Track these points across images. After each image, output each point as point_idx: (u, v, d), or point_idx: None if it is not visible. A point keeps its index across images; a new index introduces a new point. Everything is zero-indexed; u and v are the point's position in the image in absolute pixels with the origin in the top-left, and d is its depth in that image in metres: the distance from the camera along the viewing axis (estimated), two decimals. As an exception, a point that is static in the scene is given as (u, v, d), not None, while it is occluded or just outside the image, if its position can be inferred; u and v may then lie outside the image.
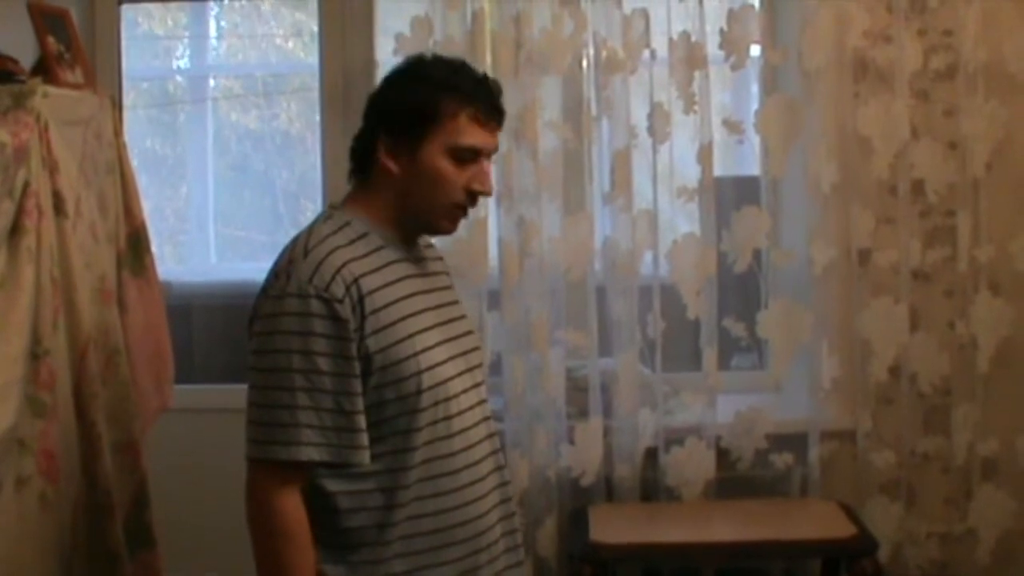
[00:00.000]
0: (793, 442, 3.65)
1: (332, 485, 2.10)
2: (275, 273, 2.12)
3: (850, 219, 3.62)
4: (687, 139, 3.62)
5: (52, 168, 2.70)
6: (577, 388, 3.66)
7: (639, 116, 3.61)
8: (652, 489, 3.67)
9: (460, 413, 2.19)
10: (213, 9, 4.32)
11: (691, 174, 3.62)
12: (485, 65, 3.49)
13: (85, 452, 2.76)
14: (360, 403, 2.08)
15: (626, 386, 3.62)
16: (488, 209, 3.50)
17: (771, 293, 3.68)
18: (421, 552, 2.13)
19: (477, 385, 2.27)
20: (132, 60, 4.07)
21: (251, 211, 4.41)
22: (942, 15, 3.59)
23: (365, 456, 2.09)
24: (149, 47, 4.36)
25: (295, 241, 2.16)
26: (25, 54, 3.02)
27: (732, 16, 3.58)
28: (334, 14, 3.85)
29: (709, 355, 3.63)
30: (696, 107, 3.57)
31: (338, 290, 2.06)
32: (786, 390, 3.80)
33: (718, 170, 3.64)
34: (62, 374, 2.66)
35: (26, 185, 2.57)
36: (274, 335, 2.07)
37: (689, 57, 3.57)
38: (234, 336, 3.97)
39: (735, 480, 3.67)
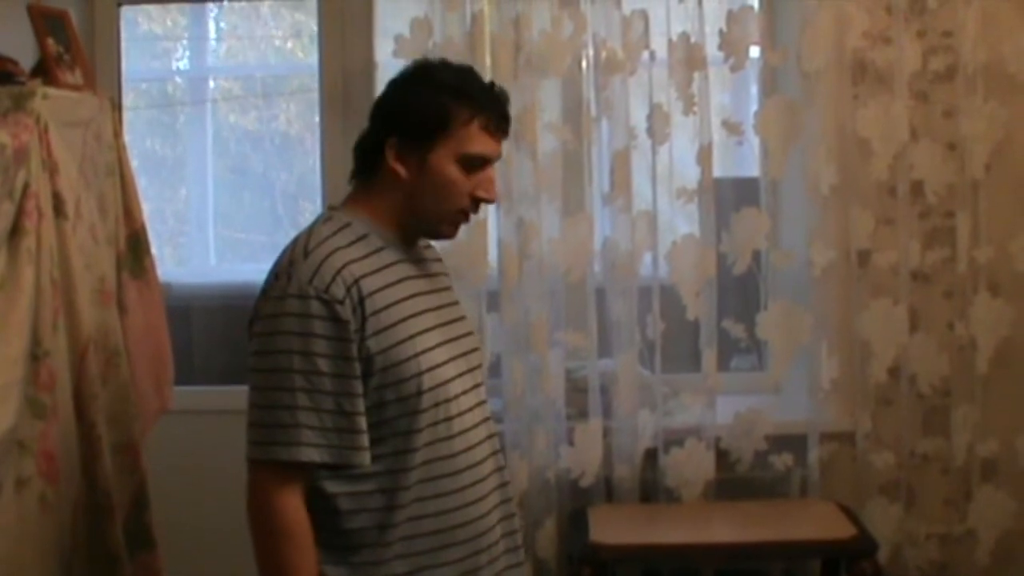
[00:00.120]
0: (793, 443, 3.65)
1: (333, 487, 2.10)
2: (275, 274, 2.12)
3: (849, 220, 3.62)
4: (686, 140, 3.62)
5: (52, 170, 2.69)
6: (576, 389, 3.67)
7: (638, 117, 3.61)
8: (652, 490, 3.67)
9: (461, 414, 2.19)
10: (212, 10, 4.32)
11: (690, 175, 3.62)
12: (484, 67, 3.49)
13: (85, 453, 2.76)
14: (361, 404, 2.08)
15: (625, 387, 3.62)
16: (487, 210, 3.49)
17: (770, 294, 3.68)
18: (422, 553, 2.14)
19: (477, 386, 2.27)
20: (131, 61, 4.07)
21: (250, 212, 4.41)
22: (941, 16, 3.60)
23: (366, 457, 2.09)
24: (148, 48, 4.36)
25: (295, 242, 2.17)
26: (25, 55, 3.02)
27: (731, 17, 3.58)
28: (333, 15, 3.85)
29: (708, 356, 3.63)
30: (695, 108, 3.58)
31: (338, 291, 2.06)
32: (785, 391, 3.81)
33: (717, 171, 3.65)
34: (62, 375, 2.66)
35: (26, 187, 2.56)
36: (274, 336, 2.07)
37: (688, 58, 3.57)
38: (234, 337, 3.97)
39: (735, 481, 3.67)
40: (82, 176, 2.90)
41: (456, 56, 3.18)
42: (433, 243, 2.41)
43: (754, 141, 3.67)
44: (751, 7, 3.66)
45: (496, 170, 2.27)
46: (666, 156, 3.62)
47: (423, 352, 2.14)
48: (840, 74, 3.61)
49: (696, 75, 3.57)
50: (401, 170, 2.18)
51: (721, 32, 3.59)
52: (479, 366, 2.32)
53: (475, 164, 2.19)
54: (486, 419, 2.28)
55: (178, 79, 4.45)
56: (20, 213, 2.54)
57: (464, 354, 2.26)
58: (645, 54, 3.59)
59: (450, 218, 2.23)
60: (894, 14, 3.58)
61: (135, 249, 3.20)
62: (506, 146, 2.30)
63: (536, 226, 3.57)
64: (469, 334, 2.32)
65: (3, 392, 2.45)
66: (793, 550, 3.48)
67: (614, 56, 3.57)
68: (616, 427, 3.65)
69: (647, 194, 3.63)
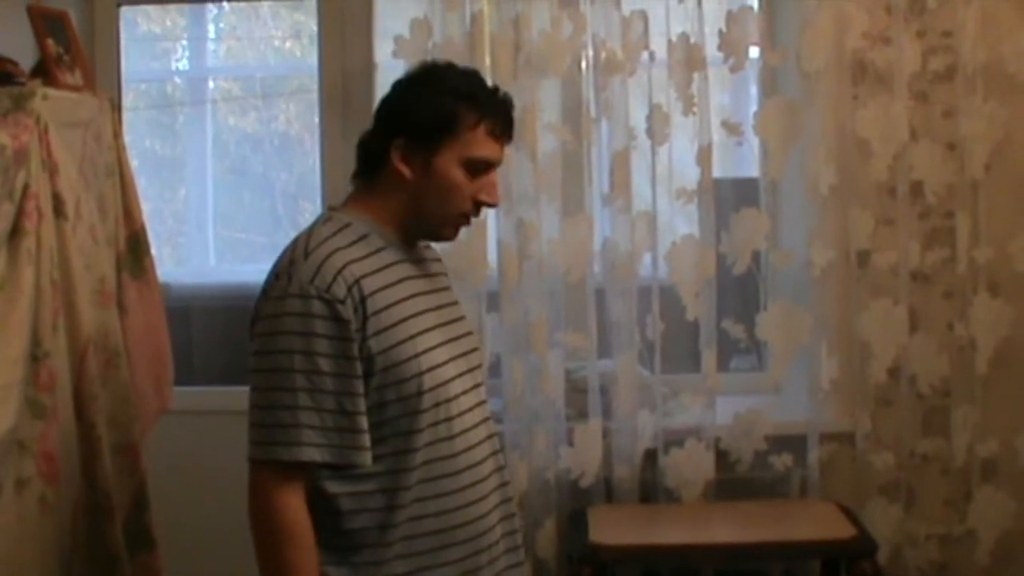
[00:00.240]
0: (792, 443, 3.65)
1: (334, 487, 2.10)
2: (276, 274, 2.12)
3: (849, 220, 3.62)
4: (686, 141, 3.62)
5: (52, 170, 2.70)
6: (576, 390, 3.67)
7: (638, 118, 3.61)
8: (651, 490, 3.67)
9: (461, 414, 2.19)
10: (212, 11, 4.32)
11: (690, 176, 3.62)
12: (484, 67, 3.49)
13: (85, 454, 2.76)
14: (362, 404, 2.09)
15: (625, 388, 3.62)
16: (487, 211, 3.46)
17: (770, 295, 3.68)
18: (422, 553, 2.14)
19: (477, 386, 2.28)
20: (131, 62, 4.07)
21: (250, 213, 4.41)
22: (941, 16, 3.60)
23: (367, 457, 2.10)
24: (148, 49, 4.36)
25: (295, 243, 2.17)
26: (25, 56, 3.02)
27: (731, 18, 3.58)
28: (333, 16, 3.85)
29: (708, 357, 3.63)
30: (695, 109, 3.58)
31: (339, 291, 2.06)
32: (785, 392, 3.81)
33: (717, 172, 3.65)
34: (62, 376, 2.66)
35: (26, 187, 2.57)
36: (276, 336, 2.07)
37: (688, 59, 3.57)
38: (233, 338, 3.98)
39: (734, 481, 3.67)
40: (82, 177, 2.90)
41: (456, 56, 3.18)
42: (432, 244, 2.41)
43: (754, 141, 3.67)
44: (751, 7, 3.66)
45: (497, 173, 2.27)
46: (666, 156, 3.63)
47: (424, 352, 2.14)
48: (840, 74, 3.61)
49: (696, 75, 3.57)
50: (406, 171, 2.18)
51: (721, 32, 3.59)
52: (479, 366, 2.33)
53: (479, 168, 2.20)
54: (486, 419, 2.28)
55: (177, 80, 4.44)
56: (20, 214, 2.55)
57: (464, 354, 2.26)
58: (645, 54, 3.59)
59: (452, 220, 2.24)
60: (894, 14, 3.58)
61: (135, 250, 3.20)
62: (506, 147, 2.31)
63: (536, 227, 3.57)
64: (469, 334, 2.33)
65: (3, 393, 2.45)
66: (793, 550, 3.48)
67: (614, 56, 3.57)
68: (616, 427, 3.65)
69: (647, 194, 3.63)
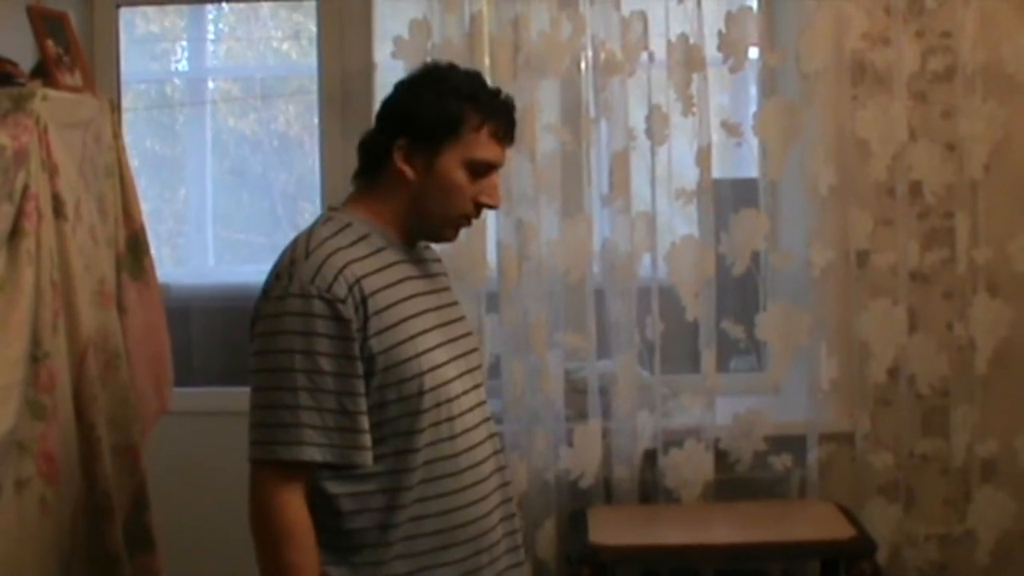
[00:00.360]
0: (792, 444, 3.66)
1: (334, 487, 2.10)
2: (276, 274, 2.12)
3: (848, 221, 3.63)
4: (685, 141, 3.62)
5: (52, 171, 2.70)
6: (576, 390, 3.67)
7: (637, 118, 3.61)
8: (651, 491, 3.67)
9: (462, 414, 2.19)
10: (211, 12, 4.32)
11: (689, 176, 3.62)
12: (483, 68, 3.49)
13: (85, 455, 2.76)
14: (363, 404, 2.09)
15: (625, 388, 3.62)
16: (487, 212, 3.47)
17: (769, 295, 3.68)
18: (423, 553, 2.14)
19: (477, 386, 2.28)
20: (130, 63, 4.07)
21: (249, 213, 4.41)
22: (940, 17, 3.60)
23: (368, 457, 2.10)
24: (147, 50, 4.35)
25: (295, 243, 2.17)
26: (24, 57, 3.02)
27: (730, 18, 3.59)
28: (332, 17, 3.85)
29: (708, 357, 3.63)
30: (694, 109, 3.58)
31: (340, 290, 2.07)
32: (785, 392, 3.81)
33: (716, 172, 3.65)
34: (62, 377, 2.66)
35: (26, 188, 2.56)
36: (276, 335, 2.07)
37: (687, 59, 3.58)
38: (233, 339, 3.98)
39: (734, 482, 3.68)
40: (81, 177, 2.90)
41: (455, 57, 3.18)
42: (432, 244, 2.42)
43: (753, 142, 3.67)
44: (750, 8, 3.66)
45: (498, 174, 2.28)
46: (665, 157, 3.63)
47: (424, 352, 2.14)
48: (839, 75, 3.61)
49: (695, 76, 3.57)
50: (408, 172, 2.18)
51: (720, 33, 3.59)
52: (479, 366, 2.33)
53: (481, 169, 2.20)
54: (487, 419, 2.28)
55: (177, 80, 4.44)
56: (20, 215, 2.54)
57: (464, 354, 2.26)
58: (644, 55, 3.59)
59: (453, 221, 2.25)
60: (893, 15, 3.59)
61: (134, 250, 3.20)
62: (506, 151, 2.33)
63: (535, 227, 3.57)
64: (469, 334, 2.33)
65: (3, 394, 2.45)
66: (792, 551, 3.48)
67: (613, 57, 3.57)
68: (615, 428, 3.65)
69: (646, 195, 3.63)
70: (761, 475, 3.68)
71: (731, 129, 3.67)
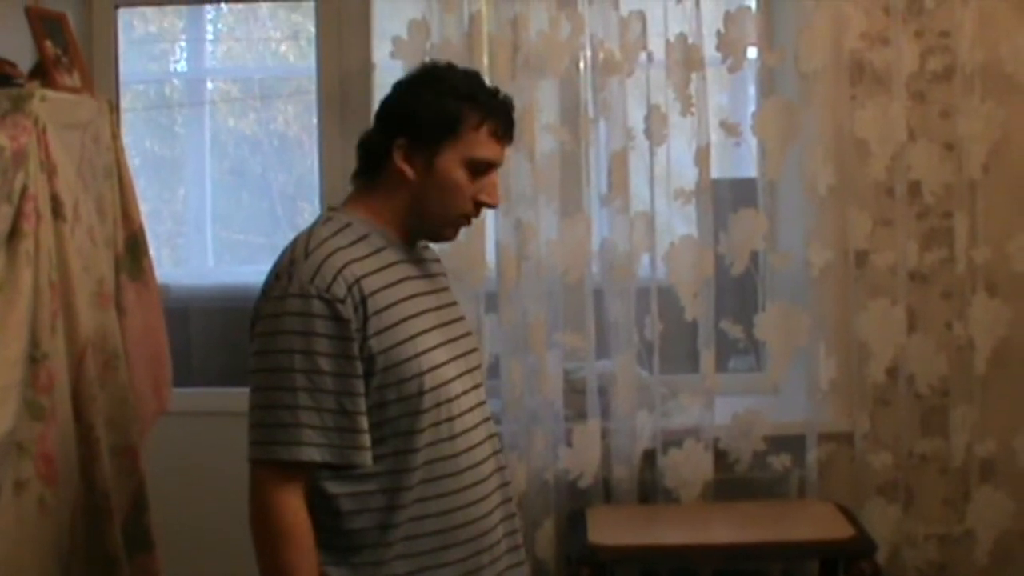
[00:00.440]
0: (791, 444, 3.66)
1: (334, 487, 2.10)
2: (276, 275, 2.12)
3: (847, 221, 3.63)
4: (684, 141, 3.62)
5: (50, 172, 2.70)
6: (575, 390, 3.67)
7: (636, 118, 3.61)
8: (650, 491, 3.67)
9: (462, 414, 2.19)
10: (209, 12, 4.31)
11: (688, 176, 3.62)
12: (482, 68, 3.50)
13: (84, 455, 2.76)
14: (362, 404, 2.09)
15: (624, 388, 3.62)
16: (486, 212, 3.46)
17: (768, 295, 3.68)
18: (423, 553, 2.14)
19: (477, 386, 2.28)
20: (129, 63, 4.07)
21: (248, 214, 4.41)
22: (939, 16, 3.60)
23: (367, 457, 2.10)
24: (146, 50, 4.35)
25: (295, 243, 2.17)
26: (23, 58, 3.02)
27: (729, 18, 3.59)
28: (331, 17, 3.85)
29: (707, 357, 3.63)
30: (693, 109, 3.58)
31: (340, 290, 2.07)
32: (784, 392, 3.81)
33: (715, 172, 3.65)
34: (60, 378, 2.66)
35: (24, 189, 2.57)
36: (276, 335, 2.07)
37: (686, 59, 3.58)
38: (232, 339, 3.98)
39: (733, 482, 3.68)
40: (80, 178, 2.90)
41: (454, 57, 3.16)
42: (431, 244, 2.42)
43: (752, 142, 3.68)
44: (748, 8, 3.66)
45: (497, 174, 2.28)
46: (664, 157, 3.63)
47: (424, 352, 2.14)
48: (838, 75, 3.61)
49: (694, 76, 3.57)
50: (408, 171, 2.19)
51: (719, 33, 3.59)
52: (478, 367, 2.33)
53: (481, 168, 2.21)
54: (487, 419, 2.28)
55: (176, 81, 4.44)
56: (18, 215, 2.55)
57: (464, 354, 2.26)
58: (643, 55, 3.59)
59: (452, 221, 2.25)
60: (892, 15, 3.59)
61: (133, 251, 3.20)
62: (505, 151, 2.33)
63: (534, 227, 3.57)
64: (468, 335, 2.33)
65: (2, 394, 2.45)
66: (791, 551, 3.48)
67: (612, 57, 3.57)
68: (614, 428, 3.65)
69: (645, 195, 3.63)
70: (760, 475, 3.68)
71: (730, 129, 3.67)
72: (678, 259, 3.63)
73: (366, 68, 3.77)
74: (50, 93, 2.79)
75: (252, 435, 2.09)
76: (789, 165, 3.62)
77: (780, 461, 3.66)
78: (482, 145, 2.19)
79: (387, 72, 3.63)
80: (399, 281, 2.18)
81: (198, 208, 4.34)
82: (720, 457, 3.66)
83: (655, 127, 3.58)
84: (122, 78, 3.95)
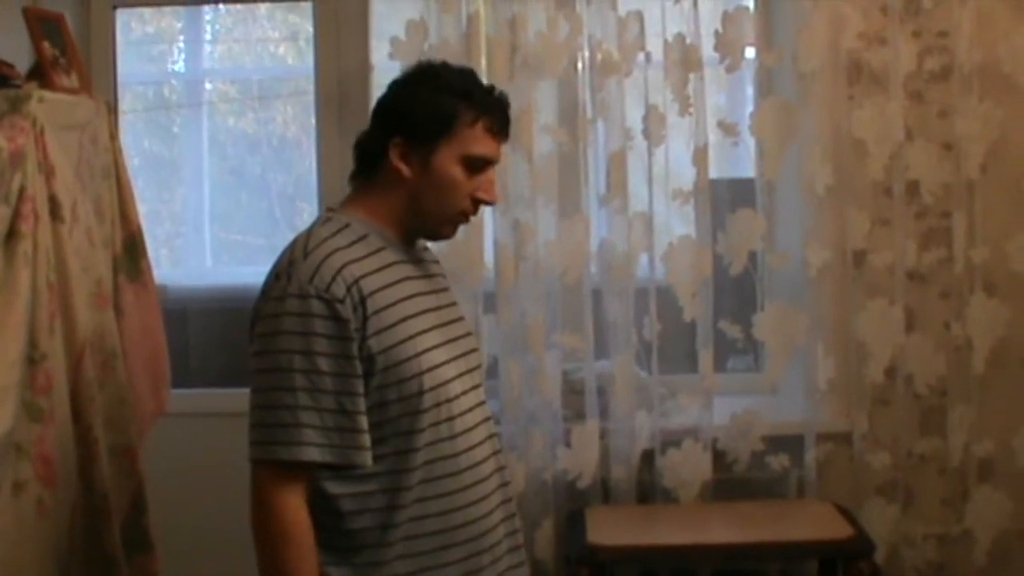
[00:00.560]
0: (789, 444, 3.66)
1: (335, 487, 2.10)
2: (275, 275, 2.13)
3: (845, 221, 3.63)
4: (682, 141, 3.62)
5: (48, 173, 2.70)
6: (573, 391, 3.67)
7: (634, 119, 3.61)
8: (649, 491, 3.67)
9: (462, 414, 2.19)
10: (207, 13, 4.31)
11: (686, 176, 3.62)
12: (480, 68, 3.49)
13: (82, 456, 2.76)
14: (362, 403, 2.09)
15: (622, 388, 3.62)
16: (484, 212, 3.48)
17: (767, 295, 3.68)
18: (424, 553, 2.14)
19: (476, 387, 2.28)
20: (127, 64, 4.06)
21: (247, 215, 4.40)
22: (937, 16, 3.60)
23: (367, 457, 2.10)
24: (144, 51, 4.35)
25: (294, 243, 2.17)
26: (21, 59, 3.02)
27: (727, 18, 3.59)
28: (329, 18, 3.85)
29: (705, 357, 3.63)
30: (691, 109, 3.58)
31: (339, 290, 2.07)
32: (782, 392, 3.81)
33: (713, 172, 3.65)
34: (59, 379, 2.66)
35: (22, 190, 2.57)
36: (275, 336, 2.07)
37: (684, 59, 3.58)
38: (230, 340, 3.98)
39: (732, 482, 3.68)
40: (78, 179, 2.90)
41: (452, 58, 3.16)
42: (429, 244, 2.42)
43: (750, 142, 3.68)
44: (746, 8, 3.66)
45: (495, 171, 2.28)
46: (662, 157, 3.63)
47: (424, 352, 2.14)
48: (835, 75, 3.61)
49: (692, 76, 3.57)
50: (405, 170, 2.19)
51: (717, 33, 3.59)
52: (478, 367, 2.33)
53: (477, 166, 2.21)
54: (486, 419, 2.28)
55: (174, 82, 4.44)
56: (16, 216, 2.55)
57: (463, 355, 2.26)
58: (641, 55, 3.59)
59: (451, 219, 2.25)
60: (889, 15, 3.59)
61: (131, 252, 3.20)
62: (502, 146, 2.33)
63: (532, 228, 3.57)
64: (468, 335, 2.33)
65: (0, 396, 2.45)
66: (790, 550, 3.48)
67: (610, 57, 3.57)
68: (613, 428, 3.65)
69: (643, 195, 3.63)
70: (759, 475, 3.68)
71: (728, 129, 3.67)
72: (676, 259, 3.63)
73: (364, 69, 3.77)
74: (48, 94, 2.79)
75: (252, 435, 2.09)
76: (787, 165, 3.62)
77: (779, 461, 3.66)
78: (478, 142, 2.19)
79: (385, 73, 3.62)
80: (398, 281, 2.18)
81: (196, 209, 4.33)
82: (719, 457, 3.66)
83: (653, 127, 3.59)
84: (120, 79, 3.95)
